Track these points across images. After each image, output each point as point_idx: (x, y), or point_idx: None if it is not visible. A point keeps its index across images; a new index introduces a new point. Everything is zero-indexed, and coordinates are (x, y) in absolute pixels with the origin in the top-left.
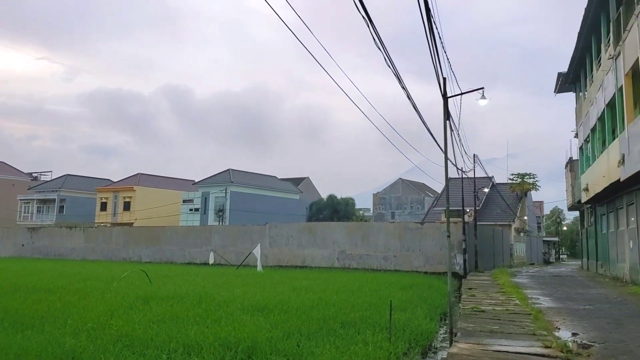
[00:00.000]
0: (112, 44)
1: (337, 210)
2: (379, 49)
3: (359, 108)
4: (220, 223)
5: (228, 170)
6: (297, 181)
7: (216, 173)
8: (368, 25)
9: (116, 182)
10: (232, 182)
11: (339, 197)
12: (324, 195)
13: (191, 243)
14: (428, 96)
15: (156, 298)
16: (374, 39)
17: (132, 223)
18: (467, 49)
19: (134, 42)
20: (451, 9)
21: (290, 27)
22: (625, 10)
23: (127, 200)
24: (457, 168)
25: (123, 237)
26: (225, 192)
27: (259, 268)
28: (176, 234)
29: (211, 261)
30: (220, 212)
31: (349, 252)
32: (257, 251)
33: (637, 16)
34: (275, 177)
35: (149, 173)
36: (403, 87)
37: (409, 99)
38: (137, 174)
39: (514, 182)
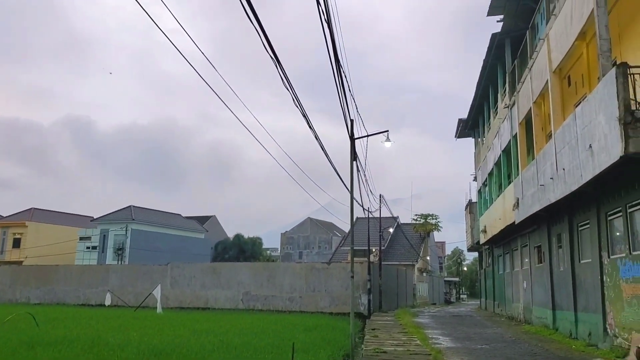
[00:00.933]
0: (11, 71)
1: (243, 250)
2: (287, 88)
3: (265, 148)
4: (120, 262)
5: (130, 206)
6: (203, 219)
7: (117, 209)
8: (276, 65)
9: (6, 217)
10: (133, 220)
11: (246, 236)
12: (231, 234)
13: (86, 283)
14: (338, 136)
15: (43, 343)
16: (282, 79)
17: (22, 261)
18: (376, 93)
19: (35, 70)
20: (360, 53)
21: (199, 64)
22: (520, 63)
23: (17, 236)
24: (363, 208)
25: (9, 276)
26: (126, 230)
27: (159, 310)
28: (70, 274)
29: (108, 302)
30: (119, 250)
31: (254, 293)
32: (157, 292)
33: (530, 69)
34: (179, 215)
35: (44, 208)
36: (310, 127)
37: (316, 139)
38: (31, 208)
39: (417, 222)
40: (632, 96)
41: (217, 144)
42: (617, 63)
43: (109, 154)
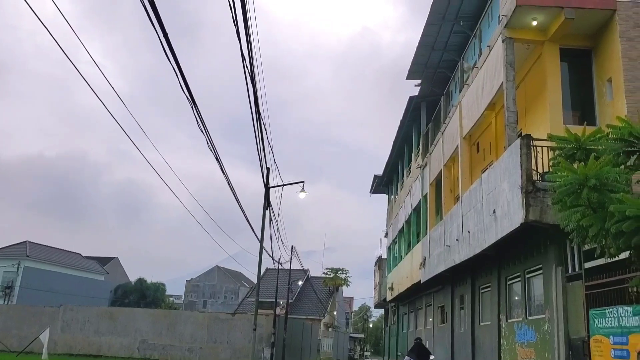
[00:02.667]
0: None
1: (145, 295)
2: (202, 131)
3: (174, 193)
4: (7, 302)
5: (25, 242)
6: (104, 260)
7: (9, 245)
8: (192, 106)
9: None
10: (27, 256)
11: (149, 281)
12: (134, 278)
13: None
14: (256, 184)
15: None
16: (197, 121)
17: None
18: (299, 142)
19: None
20: (286, 102)
21: (111, 98)
22: (434, 126)
23: None
24: (273, 259)
25: None
26: (18, 267)
27: (44, 356)
28: None
29: None
30: (8, 289)
31: (152, 341)
32: (44, 336)
33: (443, 133)
34: (79, 254)
35: None
36: (223, 171)
37: (228, 184)
38: None
39: (327, 276)
40: (534, 167)
41: (127, 182)
42: (522, 135)
43: (9, 185)
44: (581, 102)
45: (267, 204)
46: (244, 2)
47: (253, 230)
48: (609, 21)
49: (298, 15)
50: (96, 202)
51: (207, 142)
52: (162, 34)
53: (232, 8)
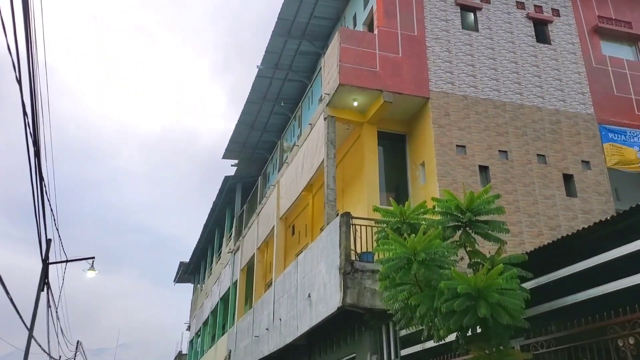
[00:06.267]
0: None
1: None
2: None
3: None
4: None
5: None
6: None
7: None
8: None
9: None
10: None
11: None
12: None
13: None
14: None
15: None
16: None
17: None
18: (96, 230)
19: None
20: (89, 183)
21: None
22: (249, 208)
23: None
24: (50, 356)
25: None
26: None
27: None
28: None
29: None
30: None
31: None
32: None
33: (258, 215)
34: None
35: None
36: None
37: None
38: None
39: None
40: (352, 246)
41: None
42: (342, 213)
43: None
44: (396, 184)
45: (44, 283)
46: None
47: (21, 319)
48: (422, 108)
49: (109, 97)
50: None
51: None
52: None
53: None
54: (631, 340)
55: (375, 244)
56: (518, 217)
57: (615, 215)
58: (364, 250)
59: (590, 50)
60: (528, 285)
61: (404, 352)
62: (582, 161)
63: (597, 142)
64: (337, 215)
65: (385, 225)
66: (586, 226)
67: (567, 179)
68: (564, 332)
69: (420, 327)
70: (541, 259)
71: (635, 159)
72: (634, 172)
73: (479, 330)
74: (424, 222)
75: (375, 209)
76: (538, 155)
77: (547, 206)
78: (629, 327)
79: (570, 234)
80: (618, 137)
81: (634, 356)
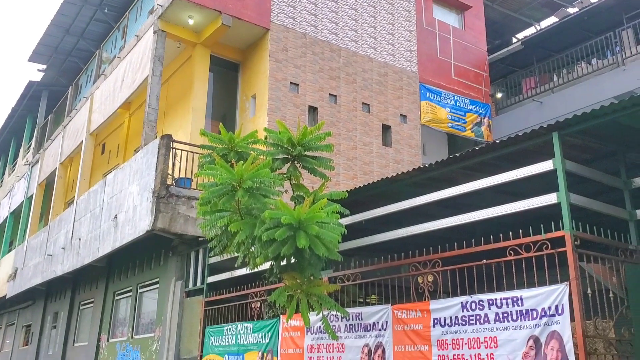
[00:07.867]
0: None
1: None
2: None
3: None
4: None
5: None
6: None
7: None
8: None
9: None
10: None
11: None
12: None
13: None
14: None
15: None
16: None
17: None
18: None
19: None
20: None
21: None
22: (55, 119)
23: None
24: None
25: None
26: None
27: None
28: None
29: None
30: None
31: None
32: None
33: (65, 127)
34: None
35: None
36: None
37: None
38: None
39: None
40: (170, 171)
41: None
42: (162, 135)
43: None
44: (223, 114)
45: None
46: None
47: None
48: (261, 39)
49: None
50: None
51: None
52: None
53: None
54: (430, 278)
55: (197, 170)
56: (337, 159)
57: (425, 165)
58: (182, 176)
59: (423, 11)
60: (343, 221)
61: (210, 279)
62: (401, 115)
63: (416, 99)
64: (157, 137)
65: (211, 150)
66: (395, 174)
67: (386, 129)
68: (370, 267)
69: (236, 255)
70: (357, 199)
71: (445, 119)
72: (441, 131)
73: (293, 260)
74: (253, 152)
75: (203, 133)
76: (364, 103)
77: (365, 152)
78: (429, 266)
79: (390, 176)
80: (434, 97)
81: (430, 292)
